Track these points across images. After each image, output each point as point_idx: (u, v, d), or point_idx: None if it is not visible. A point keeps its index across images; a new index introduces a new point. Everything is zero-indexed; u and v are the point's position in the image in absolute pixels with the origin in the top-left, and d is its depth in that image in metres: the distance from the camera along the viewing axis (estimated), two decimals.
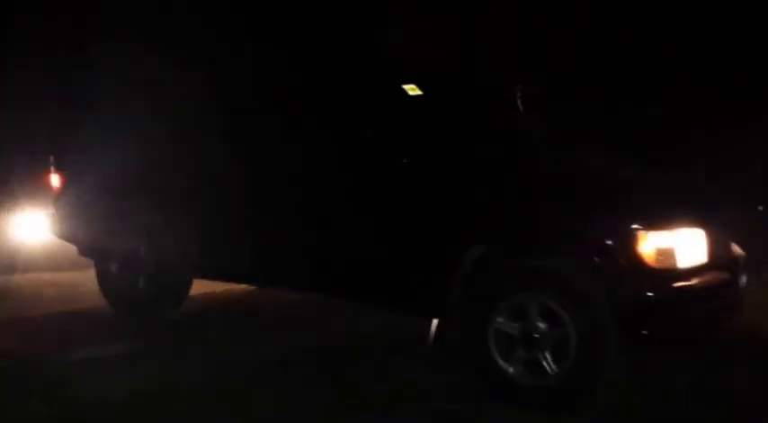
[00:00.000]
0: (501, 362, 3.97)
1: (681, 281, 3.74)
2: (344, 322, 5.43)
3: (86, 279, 6.13)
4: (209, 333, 5.18)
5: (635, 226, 3.72)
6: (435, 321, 4.31)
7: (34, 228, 7.31)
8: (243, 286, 6.10)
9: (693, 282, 3.79)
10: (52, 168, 5.89)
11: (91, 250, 5.74)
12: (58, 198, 5.88)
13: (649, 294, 3.69)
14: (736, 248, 4.28)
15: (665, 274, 3.71)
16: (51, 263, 7.12)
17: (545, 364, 3.86)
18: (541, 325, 3.87)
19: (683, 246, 3.77)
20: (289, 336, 5.14)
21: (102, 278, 5.67)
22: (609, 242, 3.75)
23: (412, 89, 4.42)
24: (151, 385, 4.14)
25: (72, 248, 5.95)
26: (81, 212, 5.71)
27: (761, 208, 4.59)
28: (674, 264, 3.73)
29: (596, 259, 3.75)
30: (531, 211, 3.97)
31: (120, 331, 5.20)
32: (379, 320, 5.15)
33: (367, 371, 4.44)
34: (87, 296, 5.95)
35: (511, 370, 3.95)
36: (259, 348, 4.85)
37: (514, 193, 4.07)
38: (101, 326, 5.35)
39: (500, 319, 3.98)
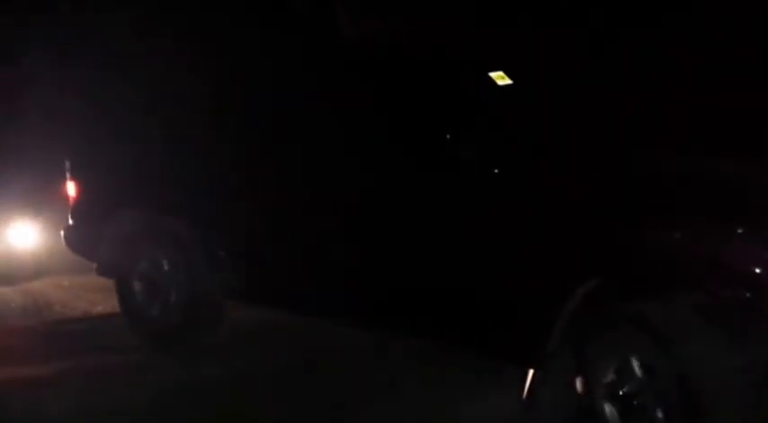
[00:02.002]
0: None
1: None
2: None
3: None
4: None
5: None
6: (531, 372, 3.46)
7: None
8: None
9: None
10: (68, 175, 5.12)
11: (111, 269, 4.96)
12: (75, 208, 5.11)
13: None
14: None
15: None
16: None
17: None
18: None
19: None
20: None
21: (125, 302, 4.88)
22: None
23: (500, 77, 3.54)
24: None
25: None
26: (100, 225, 4.94)
27: None
28: None
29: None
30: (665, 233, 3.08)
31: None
32: None
33: None
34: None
35: None
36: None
37: (645, 209, 3.17)
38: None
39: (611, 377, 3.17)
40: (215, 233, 4.44)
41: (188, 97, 4.53)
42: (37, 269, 6.77)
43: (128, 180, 4.76)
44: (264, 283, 4.38)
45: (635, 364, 3.17)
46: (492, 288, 3.45)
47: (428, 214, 3.63)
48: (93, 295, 6.17)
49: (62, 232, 5.26)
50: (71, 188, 5.13)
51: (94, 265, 5.10)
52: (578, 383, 3.33)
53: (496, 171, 3.41)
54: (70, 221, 5.20)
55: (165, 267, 4.64)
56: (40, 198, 6.48)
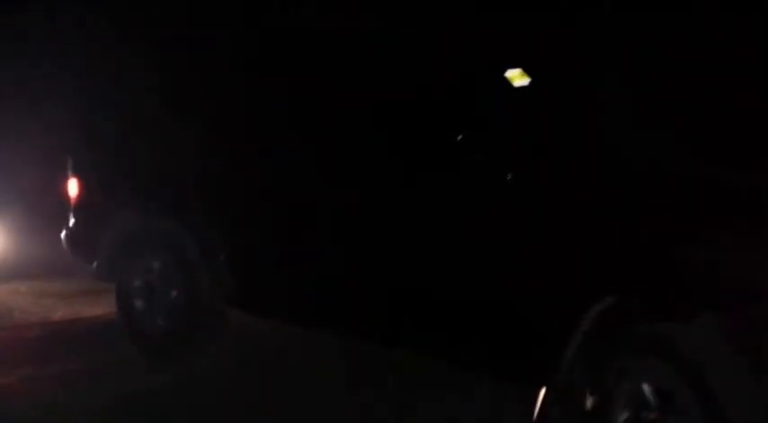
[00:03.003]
0: None
1: None
2: None
3: None
4: None
5: None
6: (543, 391, 3.21)
7: None
8: None
9: None
10: (70, 172, 4.93)
11: (110, 274, 4.76)
12: (76, 209, 4.93)
13: None
14: None
15: None
16: None
17: None
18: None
19: None
20: None
21: (123, 308, 4.68)
22: None
23: (518, 76, 3.28)
24: None
25: None
26: (103, 227, 4.74)
27: None
28: None
29: None
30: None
31: None
32: None
33: None
34: None
35: None
36: None
37: (672, 224, 2.90)
38: None
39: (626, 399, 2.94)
40: (214, 237, 4.21)
41: (182, 95, 4.33)
42: None
43: (126, 179, 4.56)
44: (266, 292, 4.15)
45: (653, 388, 2.93)
46: (502, 302, 3.20)
47: (436, 221, 3.38)
48: (51, 301, 6.07)
49: (63, 233, 5.07)
50: (72, 186, 4.95)
51: (91, 268, 4.91)
52: (590, 404, 3.09)
53: (510, 176, 3.17)
54: (71, 221, 5.02)
55: (163, 273, 4.42)
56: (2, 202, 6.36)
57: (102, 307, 5.86)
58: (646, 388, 2.95)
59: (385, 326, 3.62)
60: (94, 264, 4.87)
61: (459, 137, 3.23)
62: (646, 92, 3.31)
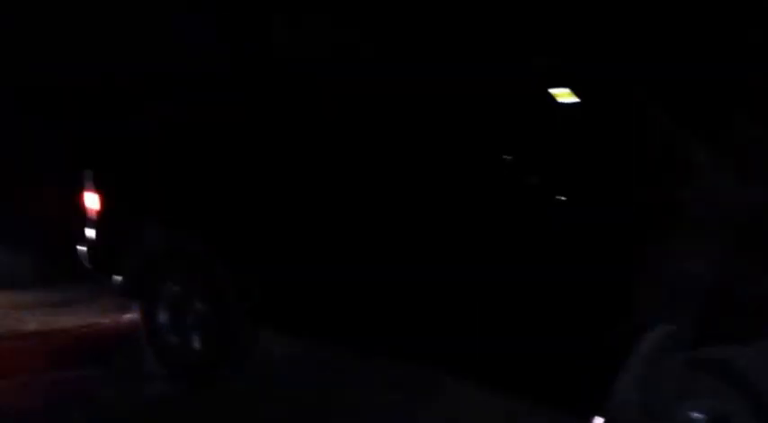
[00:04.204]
0: None
1: None
2: None
3: None
4: None
5: None
6: (596, 420, 3.11)
7: None
8: None
9: None
10: (90, 185, 4.81)
11: (136, 290, 4.65)
12: (97, 223, 4.81)
13: None
14: None
15: None
16: None
17: None
18: None
19: None
20: None
21: (149, 325, 4.58)
22: None
23: (565, 95, 3.17)
24: None
25: None
26: (126, 243, 4.63)
27: None
28: None
29: None
30: None
31: None
32: None
33: None
34: None
35: None
36: None
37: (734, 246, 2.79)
38: None
39: None
40: (241, 253, 4.10)
41: (211, 111, 4.21)
42: None
43: (150, 194, 4.45)
44: (296, 310, 4.03)
45: (709, 415, 2.88)
46: (554, 328, 3.11)
47: (482, 244, 3.28)
48: (22, 313, 5.97)
49: (81, 247, 4.96)
50: (92, 200, 4.83)
51: (114, 283, 4.82)
52: None
53: (563, 198, 3.06)
54: (91, 235, 4.90)
55: (189, 291, 4.30)
56: None
57: (77, 317, 5.84)
58: (705, 413, 2.89)
59: (427, 349, 3.51)
60: (117, 279, 4.78)
61: (507, 158, 3.12)
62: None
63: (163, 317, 4.44)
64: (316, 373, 4.41)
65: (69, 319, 5.88)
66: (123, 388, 4.36)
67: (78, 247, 4.94)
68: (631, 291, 2.94)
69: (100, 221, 4.78)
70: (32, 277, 6.61)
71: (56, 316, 5.98)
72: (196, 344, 4.31)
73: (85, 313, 6.12)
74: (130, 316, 5.53)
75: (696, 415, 2.92)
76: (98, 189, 4.75)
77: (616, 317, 2.98)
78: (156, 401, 4.22)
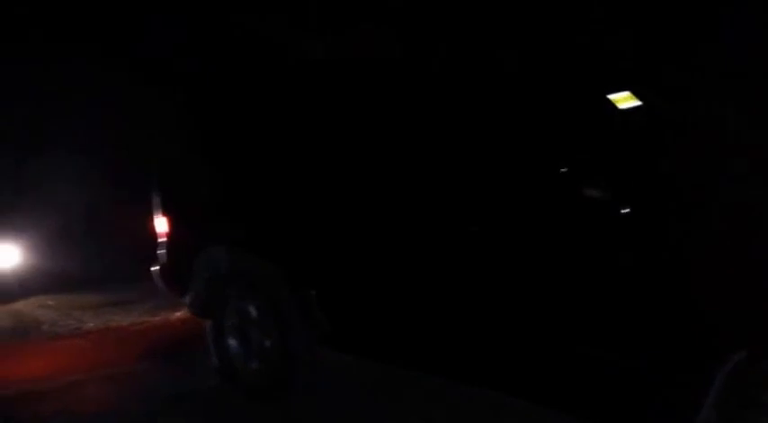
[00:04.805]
0: None
1: None
2: None
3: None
4: None
5: None
6: None
7: None
8: None
9: None
10: (160, 210, 4.87)
11: (204, 310, 4.67)
12: (167, 245, 4.86)
13: None
14: None
15: None
16: None
17: None
18: None
19: None
20: None
21: (216, 345, 4.58)
22: None
23: (625, 99, 2.97)
24: None
25: None
26: (192, 265, 4.63)
27: None
28: None
29: None
30: None
31: None
32: None
33: None
34: None
35: None
36: None
37: None
38: None
39: None
40: (304, 272, 4.02)
41: (274, 135, 4.16)
42: (20, 289, 6.74)
43: (214, 216, 4.46)
44: (363, 332, 3.91)
45: None
46: (623, 354, 2.90)
47: (538, 260, 3.11)
48: (80, 313, 6.13)
49: (154, 269, 5.03)
50: (162, 225, 4.89)
51: (185, 302, 4.85)
52: None
53: (627, 210, 2.85)
54: (162, 257, 4.97)
55: (255, 313, 4.26)
56: (22, 217, 6.40)
57: (131, 316, 5.95)
58: None
59: (497, 373, 3.34)
60: (187, 299, 4.82)
61: (564, 170, 2.95)
62: None
63: (228, 337, 4.44)
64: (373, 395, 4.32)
65: (128, 317, 6.05)
66: (180, 383, 4.47)
67: (152, 269, 5.02)
68: (711, 310, 2.72)
69: (169, 244, 4.85)
70: (91, 279, 6.87)
71: (112, 315, 6.18)
72: (258, 365, 4.29)
73: (139, 312, 6.32)
74: (180, 314, 5.75)
75: None
76: (166, 213, 4.82)
77: (693, 342, 2.75)
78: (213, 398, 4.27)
